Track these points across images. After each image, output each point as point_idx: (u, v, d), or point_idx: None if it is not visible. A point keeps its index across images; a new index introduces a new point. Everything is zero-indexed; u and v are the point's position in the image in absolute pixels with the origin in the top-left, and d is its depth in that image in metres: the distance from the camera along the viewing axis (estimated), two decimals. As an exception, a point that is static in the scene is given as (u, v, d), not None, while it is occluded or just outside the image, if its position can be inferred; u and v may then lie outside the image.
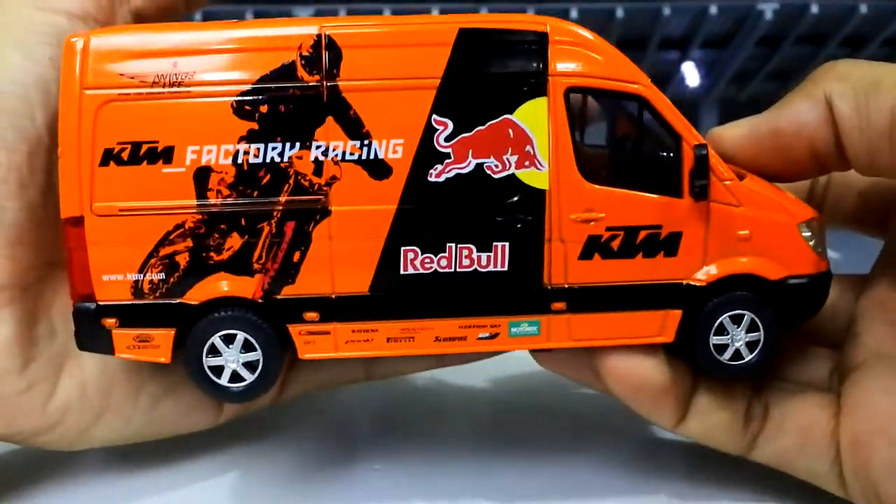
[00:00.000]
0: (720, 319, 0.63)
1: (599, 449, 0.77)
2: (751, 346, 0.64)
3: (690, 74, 1.93)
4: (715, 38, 1.90)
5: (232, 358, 0.62)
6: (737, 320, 0.63)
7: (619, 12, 1.73)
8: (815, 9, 1.70)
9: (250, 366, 0.62)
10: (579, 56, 0.60)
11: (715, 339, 0.63)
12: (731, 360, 0.64)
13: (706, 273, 0.62)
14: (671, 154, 0.61)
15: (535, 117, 0.60)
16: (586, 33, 0.60)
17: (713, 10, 1.74)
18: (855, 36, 1.76)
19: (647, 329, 0.63)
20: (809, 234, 0.62)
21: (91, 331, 0.62)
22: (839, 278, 0.71)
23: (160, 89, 0.60)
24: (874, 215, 0.69)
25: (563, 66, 0.60)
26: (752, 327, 0.63)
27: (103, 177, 0.60)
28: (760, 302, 0.63)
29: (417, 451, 0.76)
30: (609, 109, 0.64)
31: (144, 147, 0.60)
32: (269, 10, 1.75)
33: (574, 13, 1.71)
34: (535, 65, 0.60)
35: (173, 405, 0.68)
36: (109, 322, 0.62)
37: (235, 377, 0.62)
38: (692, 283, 0.63)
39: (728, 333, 0.63)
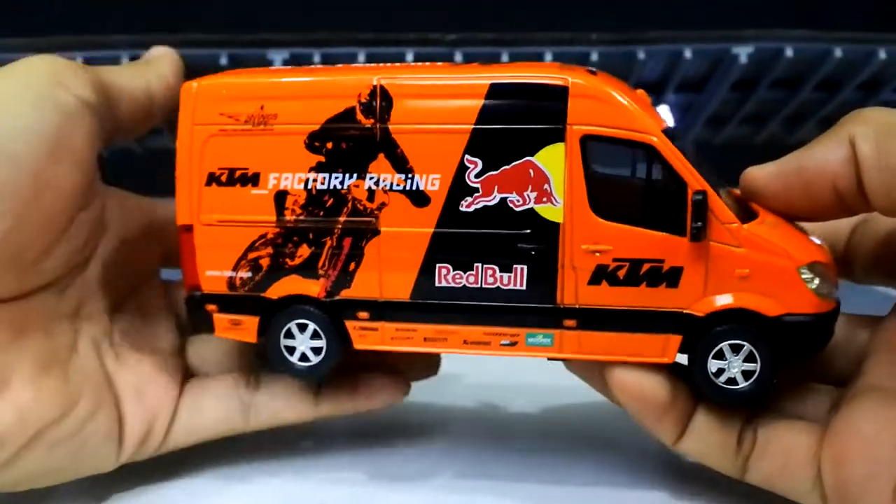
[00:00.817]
0: (719, 346, 0.70)
1: (602, 448, 0.82)
2: (747, 375, 0.70)
3: (665, 117, 1.93)
4: (690, 82, 1.90)
5: (303, 342, 0.77)
6: (736, 349, 0.70)
7: (594, 55, 1.72)
8: (789, 52, 1.70)
9: (316, 350, 0.77)
10: (595, 108, 0.68)
11: (713, 365, 0.70)
12: (726, 384, 0.70)
13: (705, 304, 0.70)
14: (675, 197, 0.68)
15: (553, 160, 0.69)
16: (606, 87, 0.69)
17: (688, 53, 1.74)
18: (830, 80, 1.77)
19: (649, 350, 0.71)
20: (811, 276, 0.68)
21: (198, 315, 0.80)
22: (855, 318, 0.74)
23: (250, 126, 0.74)
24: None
25: (579, 118, 0.68)
26: (750, 358, 0.70)
27: (207, 195, 0.76)
28: (758, 335, 0.69)
29: (418, 452, 0.86)
30: (621, 155, 0.70)
31: (238, 172, 0.75)
32: (243, 54, 1.74)
33: (549, 56, 1.71)
34: (554, 115, 0.69)
35: (92, 430, 0.72)
36: (211, 308, 0.79)
37: (303, 358, 0.77)
38: (692, 313, 0.70)
39: (726, 360, 0.70)
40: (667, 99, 1.92)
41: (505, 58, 1.71)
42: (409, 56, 1.66)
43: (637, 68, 1.78)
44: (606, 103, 0.69)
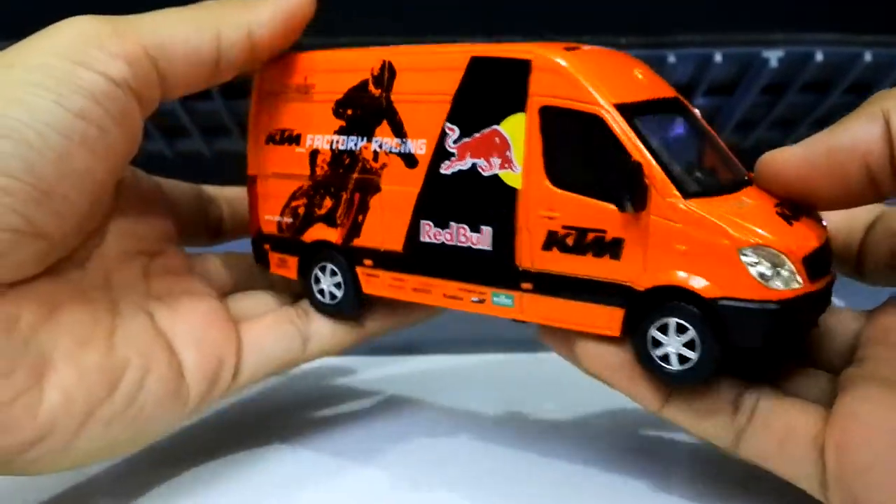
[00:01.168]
0: (661, 322, 0.70)
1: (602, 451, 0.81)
2: (683, 358, 0.69)
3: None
4: (719, 85, 1.89)
5: (326, 282, 0.87)
6: (680, 330, 0.69)
7: (624, 59, 1.72)
8: (819, 56, 1.69)
9: (338, 286, 0.86)
10: (552, 81, 0.72)
11: (653, 336, 0.70)
12: (662, 360, 0.70)
13: (645, 279, 0.70)
14: (619, 168, 0.69)
15: (514, 129, 0.73)
16: (563, 62, 0.72)
17: (718, 57, 1.73)
18: (859, 83, 1.76)
19: (597, 320, 0.72)
20: (754, 259, 0.65)
21: (259, 251, 0.92)
22: (848, 311, 0.72)
23: (297, 94, 0.86)
24: None
25: (539, 89, 0.72)
26: (691, 343, 0.68)
27: (266, 151, 0.89)
28: (697, 316, 0.68)
29: (420, 448, 0.87)
30: (575, 126, 0.71)
31: (286, 133, 0.88)
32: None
33: (577, 60, 1.71)
34: (519, 87, 0.72)
35: (145, 397, 0.72)
36: (266, 246, 0.91)
37: (330, 295, 0.87)
38: (633, 286, 0.70)
39: (667, 337, 0.69)
40: (696, 102, 1.91)
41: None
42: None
43: (666, 72, 1.77)
44: (562, 76, 0.71)
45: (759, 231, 0.66)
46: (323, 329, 0.87)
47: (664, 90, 0.79)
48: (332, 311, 0.88)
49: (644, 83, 0.77)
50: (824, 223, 0.73)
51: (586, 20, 1.81)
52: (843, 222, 0.75)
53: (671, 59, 1.73)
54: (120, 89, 0.68)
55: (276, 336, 0.84)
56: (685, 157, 0.73)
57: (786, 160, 0.67)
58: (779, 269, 0.66)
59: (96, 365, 0.69)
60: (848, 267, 0.76)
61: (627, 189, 0.68)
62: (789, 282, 0.66)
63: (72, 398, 0.66)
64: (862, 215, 0.75)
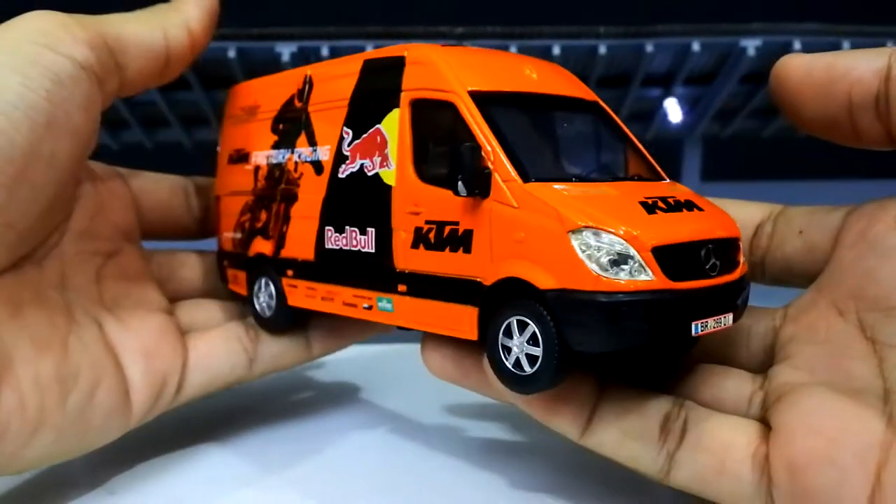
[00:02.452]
0: (506, 323, 0.62)
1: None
2: (532, 359, 0.61)
3: (673, 111, 1.93)
4: (698, 75, 1.90)
5: (263, 296, 0.84)
6: (521, 328, 0.61)
7: (602, 49, 1.73)
8: (798, 45, 1.71)
9: (271, 297, 0.83)
10: (419, 73, 0.69)
11: (503, 343, 0.62)
12: (514, 367, 0.61)
13: (490, 272, 0.63)
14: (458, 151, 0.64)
15: (391, 125, 0.71)
16: (432, 54, 0.69)
17: (696, 46, 1.74)
18: (838, 73, 1.76)
19: (458, 323, 0.65)
20: (585, 244, 0.58)
21: (220, 269, 0.89)
22: (755, 309, 0.69)
23: (247, 116, 0.86)
24: (814, 253, 0.67)
25: (409, 83, 0.70)
26: (534, 338, 0.60)
27: (226, 171, 0.88)
28: (539, 311, 0.60)
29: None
30: (438, 116, 0.68)
31: (240, 153, 0.87)
32: (252, 48, 1.75)
33: (556, 49, 1.72)
34: (395, 83, 0.70)
35: (93, 409, 0.70)
36: (225, 263, 0.88)
37: (267, 308, 0.84)
38: (481, 281, 0.63)
39: (512, 340, 0.62)
40: (675, 92, 1.92)
41: (514, 50, 1.72)
42: (418, 49, 1.67)
43: (645, 61, 1.78)
44: (427, 67, 0.69)
45: (596, 214, 0.58)
46: (270, 349, 0.83)
47: (564, 89, 0.73)
48: (269, 325, 0.84)
49: (530, 80, 0.72)
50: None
51: (564, 9, 1.81)
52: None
53: (649, 48, 1.74)
54: (84, 72, 0.68)
55: (222, 355, 0.81)
56: (551, 150, 0.69)
57: (794, 65, 0.65)
58: (623, 258, 0.58)
59: (52, 373, 0.67)
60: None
61: (463, 171, 0.62)
62: (635, 274, 0.58)
63: (26, 404, 0.65)
64: (753, 214, 0.73)
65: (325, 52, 1.69)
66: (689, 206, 0.64)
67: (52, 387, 0.66)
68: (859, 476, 0.55)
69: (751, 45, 1.75)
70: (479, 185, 0.62)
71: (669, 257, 0.58)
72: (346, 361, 1.00)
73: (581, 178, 0.65)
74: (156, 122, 1.93)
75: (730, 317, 0.63)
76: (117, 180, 0.83)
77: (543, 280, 0.59)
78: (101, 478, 0.76)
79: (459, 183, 0.62)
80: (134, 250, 0.83)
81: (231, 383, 0.82)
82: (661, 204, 0.62)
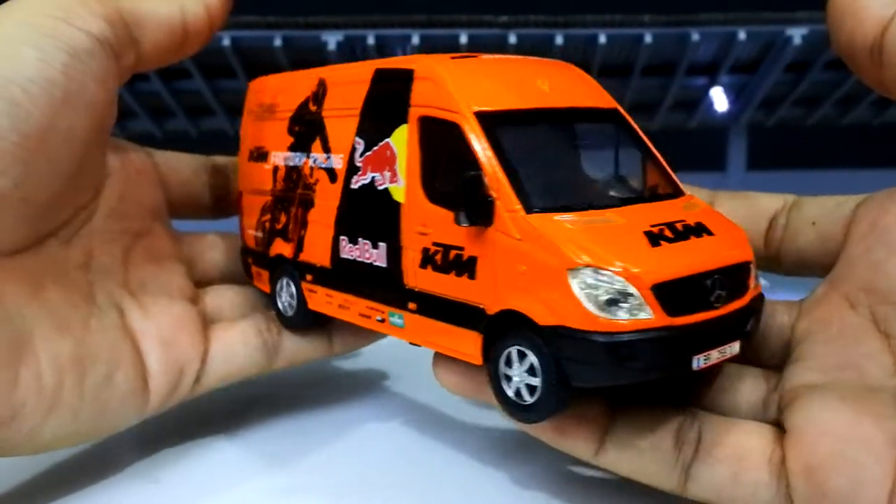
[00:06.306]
0: (507, 351, 0.62)
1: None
2: (531, 388, 0.61)
3: (719, 100, 1.92)
4: (743, 64, 1.89)
5: (285, 295, 0.85)
6: (520, 357, 0.61)
7: (648, 38, 1.73)
8: (844, 34, 1.69)
9: (293, 298, 0.84)
10: (427, 89, 0.68)
11: (504, 371, 0.63)
12: (515, 396, 0.62)
13: (494, 302, 0.62)
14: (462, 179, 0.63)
15: (400, 141, 0.70)
16: (440, 69, 0.68)
17: (742, 35, 1.73)
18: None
19: (464, 346, 0.65)
20: (584, 283, 0.57)
21: (245, 264, 0.91)
22: (774, 303, 0.68)
23: (266, 113, 0.86)
24: (828, 244, 0.67)
25: (417, 99, 0.68)
26: (533, 369, 0.61)
27: (247, 168, 0.89)
28: (538, 344, 0.60)
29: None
30: (445, 136, 0.66)
31: (259, 151, 0.87)
32: (297, 36, 1.76)
33: (602, 38, 1.71)
34: (404, 97, 0.69)
35: (110, 393, 0.70)
36: (249, 259, 0.90)
37: (289, 307, 0.84)
38: (485, 309, 0.63)
39: (512, 369, 0.62)
40: (720, 80, 1.91)
41: (559, 40, 1.72)
42: (463, 38, 1.67)
43: (690, 50, 1.77)
44: (435, 84, 0.67)
45: (597, 250, 0.58)
46: (292, 343, 0.84)
47: (579, 100, 0.72)
48: (291, 324, 0.85)
49: (542, 93, 0.70)
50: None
51: (609, -1, 1.81)
52: (747, 216, 0.71)
53: (695, 36, 1.73)
54: (100, 46, 0.68)
55: (243, 348, 0.81)
56: (560, 172, 0.68)
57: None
58: (623, 296, 0.57)
59: (70, 354, 0.67)
60: (760, 259, 0.72)
61: (464, 201, 0.62)
62: (634, 312, 0.57)
63: (43, 383, 0.65)
64: (767, 206, 0.72)
65: (370, 40, 1.69)
66: (699, 231, 0.63)
67: (70, 368, 0.67)
68: (877, 475, 0.55)
69: (796, 33, 1.73)
70: (481, 215, 0.62)
71: (671, 293, 0.58)
72: (362, 351, 0.99)
73: (588, 205, 0.63)
74: (161, 112, 1.93)
75: (736, 345, 0.62)
76: (145, 158, 0.83)
77: (542, 316, 0.59)
78: (142, 467, 0.77)
79: (461, 214, 0.62)
80: (163, 230, 0.84)
81: (251, 375, 0.82)
82: (667, 232, 0.61)
